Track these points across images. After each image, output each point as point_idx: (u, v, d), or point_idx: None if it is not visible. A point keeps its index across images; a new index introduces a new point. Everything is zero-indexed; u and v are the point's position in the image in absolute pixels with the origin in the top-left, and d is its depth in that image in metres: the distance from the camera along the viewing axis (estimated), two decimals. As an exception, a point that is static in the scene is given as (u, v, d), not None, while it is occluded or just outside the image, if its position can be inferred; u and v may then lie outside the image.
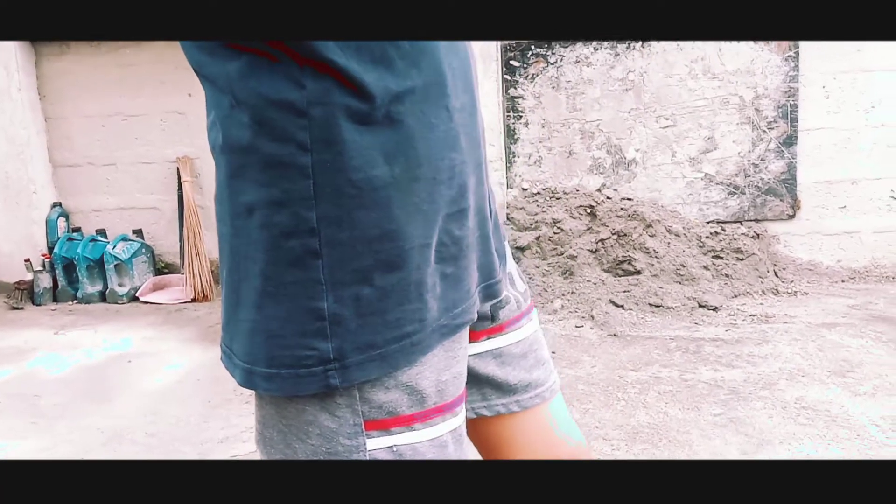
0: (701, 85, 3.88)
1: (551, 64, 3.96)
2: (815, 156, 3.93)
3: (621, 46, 3.90)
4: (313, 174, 0.73)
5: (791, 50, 3.80)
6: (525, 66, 3.99)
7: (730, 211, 3.99)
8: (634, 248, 3.78)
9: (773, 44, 3.82)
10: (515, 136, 4.05)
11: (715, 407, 2.55)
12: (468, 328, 0.89)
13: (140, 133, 4.49)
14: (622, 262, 3.77)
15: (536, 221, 3.94)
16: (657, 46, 3.88)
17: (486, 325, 0.98)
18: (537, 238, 3.89)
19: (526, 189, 4.06)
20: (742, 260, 3.85)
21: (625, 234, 3.79)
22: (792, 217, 3.98)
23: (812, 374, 2.78)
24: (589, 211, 3.92)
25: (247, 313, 0.78)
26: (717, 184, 3.96)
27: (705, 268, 3.80)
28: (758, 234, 3.94)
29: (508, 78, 4.00)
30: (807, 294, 3.79)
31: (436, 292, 0.81)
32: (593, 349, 3.14)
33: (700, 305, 3.56)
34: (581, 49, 3.93)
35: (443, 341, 0.83)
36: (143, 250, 4.46)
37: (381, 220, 0.75)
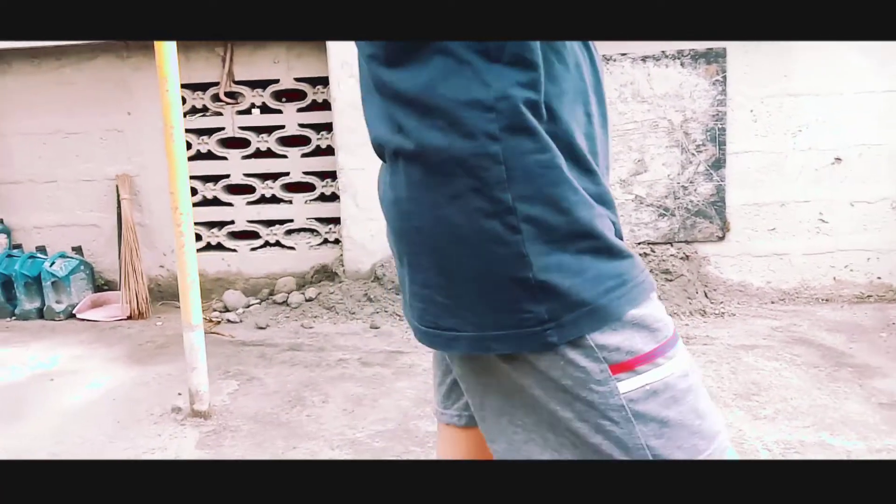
0: (631, 108, 3.94)
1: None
2: (743, 178, 3.99)
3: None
4: (504, 160, 0.84)
5: (718, 74, 3.87)
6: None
7: (660, 232, 4.04)
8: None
9: (702, 68, 3.88)
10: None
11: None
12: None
13: (80, 150, 4.49)
14: (552, 282, 3.80)
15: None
16: (588, 70, 3.93)
17: None
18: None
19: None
20: (671, 281, 3.89)
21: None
22: (722, 239, 4.03)
23: (718, 396, 2.81)
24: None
25: (463, 288, 0.88)
26: (647, 205, 4.01)
27: (635, 288, 3.83)
28: (687, 256, 3.99)
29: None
30: (734, 315, 3.84)
31: (623, 254, 0.90)
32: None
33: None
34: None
35: (650, 294, 0.92)
36: (82, 267, 4.46)
37: (568, 192, 0.85)
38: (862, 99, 3.80)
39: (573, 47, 0.92)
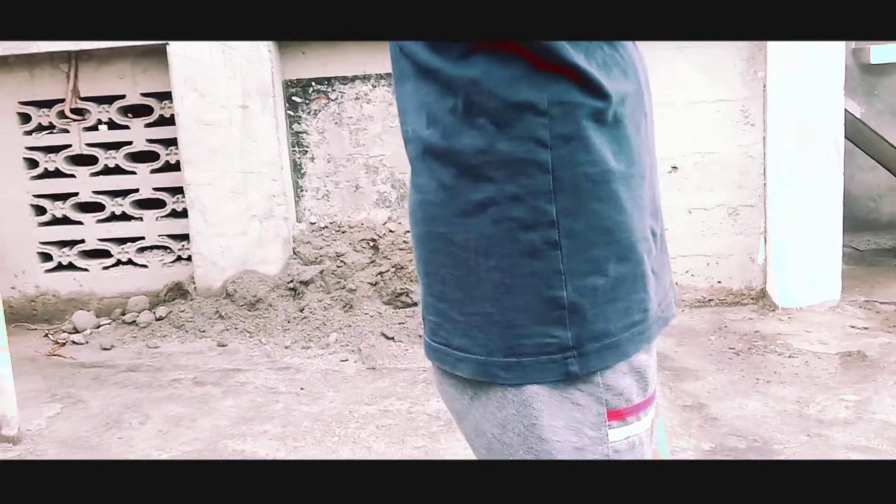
0: (477, 120, 3.98)
1: (332, 100, 4.01)
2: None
3: (399, 83, 3.98)
4: (553, 169, 0.77)
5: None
6: (307, 101, 4.02)
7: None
8: (411, 281, 3.83)
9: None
10: (302, 171, 4.08)
11: (419, 440, 2.59)
12: None
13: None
14: (400, 294, 3.82)
15: (321, 255, 3.96)
16: (433, 83, 3.96)
17: None
18: (321, 272, 3.91)
19: (314, 223, 4.08)
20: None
21: (402, 267, 3.85)
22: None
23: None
24: (372, 244, 3.97)
25: (478, 307, 0.81)
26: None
27: (483, 298, 3.87)
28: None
29: (292, 113, 4.03)
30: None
31: (653, 285, 0.85)
32: (343, 384, 3.16)
33: (468, 336, 3.62)
34: (360, 86, 4.00)
35: (660, 332, 0.87)
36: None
37: (613, 211, 0.80)
38: (694, 109, 3.92)
39: (630, 47, 0.85)
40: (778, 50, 3.69)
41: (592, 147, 0.78)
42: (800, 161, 3.74)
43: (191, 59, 3.89)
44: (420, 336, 3.61)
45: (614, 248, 0.80)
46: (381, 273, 3.87)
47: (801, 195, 3.76)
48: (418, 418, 2.77)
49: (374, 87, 4.00)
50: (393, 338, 3.61)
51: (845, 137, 4.93)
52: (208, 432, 2.77)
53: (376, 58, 3.96)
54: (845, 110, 4.19)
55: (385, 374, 3.24)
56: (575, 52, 0.77)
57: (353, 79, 4.00)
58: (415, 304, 3.79)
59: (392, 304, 3.84)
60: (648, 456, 0.87)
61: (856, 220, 5.61)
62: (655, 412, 0.91)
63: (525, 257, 0.79)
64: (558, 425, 0.81)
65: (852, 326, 3.55)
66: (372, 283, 3.87)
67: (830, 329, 3.51)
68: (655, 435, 0.94)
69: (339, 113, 4.02)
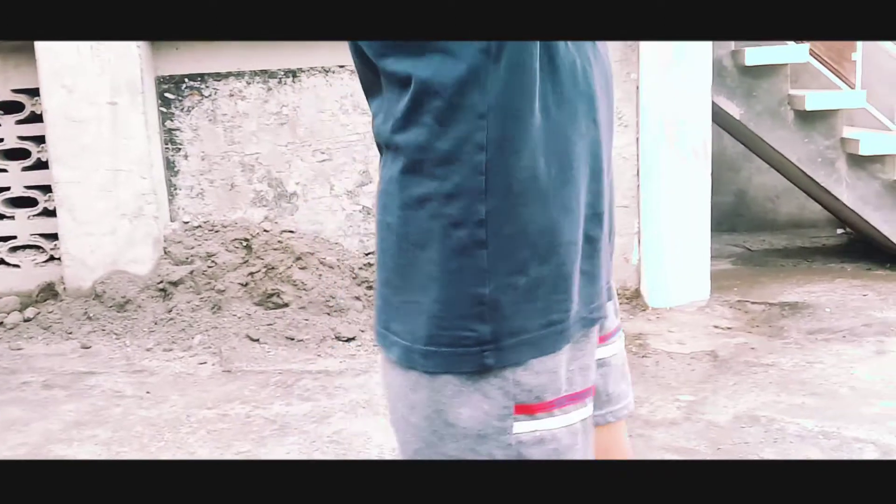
0: (353, 120, 3.95)
1: (206, 97, 3.94)
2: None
3: (273, 81, 3.93)
4: (486, 171, 0.80)
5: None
6: (180, 98, 3.95)
7: (388, 242, 4.06)
8: (283, 281, 3.78)
9: (421, 80, 3.93)
10: (176, 169, 4.00)
11: (246, 444, 2.55)
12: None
13: None
14: (271, 295, 3.77)
15: (192, 255, 3.89)
16: (307, 82, 3.92)
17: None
18: (191, 272, 3.84)
19: (187, 222, 4.01)
20: (394, 290, 3.91)
21: (273, 268, 3.80)
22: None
23: (374, 406, 2.83)
24: (245, 244, 3.91)
25: (411, 295, 0.85)
26: (374, 216, 4.02)
27: (357, 298, 3.84)
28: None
29: (165, 110, 3.96)
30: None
31: (578, 287, 0.88)
32: (192, 387, 3.11)
33: (336, 337, 3.59)
34: (235, 83, 3.93)
35: (583, 331, 0.90)
36: None
37: (540, 216, 0.83)
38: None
39: (576, 50, 0.88)
40: (650, 51, 3.70)
41: (529, 153, 0.81)
42: (670, 162, 3.77)
43: (58, 54, 3.79)
44: (286, 338, 3.57)
45: (538, 250, 0.83)
46: (251, 273, 3.81)
47: (672, 196, 3.78)
48: (254, 423, 2.72)
49: (248, 83, 3.94)
50: (258, 340, 3.55)
51: (738, 140, 5.00)
52: (37, 436, 2.69)
53: (250, 54, 3.91)
54: (726, 112, 4.24)
55: (239, 377, 3.19)
56: (517, 53, 0.80)
57: (228, 75, 3.94)
58: (286, 305, 3.75)
59: (263, 305, 3.78)
60: (573, 453, 0.90)
61: (753, 221, 5.70)
62: (589, 411, 0.94)
63: (454, 253, 0.83)
64: (464, 413, 0.85)
65: (715, 326, 3.58)
66: (243, 284, 3.81)
67: (693, 329, 3.54)
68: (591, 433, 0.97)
69: (214, 110, 3.96)
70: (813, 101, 4.04)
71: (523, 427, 0.87)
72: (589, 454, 0.94)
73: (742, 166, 5.62)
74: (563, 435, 0.89)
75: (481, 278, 0.83)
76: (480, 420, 0.85)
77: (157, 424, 2.74)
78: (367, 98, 0.95)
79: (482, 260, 0.82)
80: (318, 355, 3.41)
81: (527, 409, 0.86)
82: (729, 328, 3.56)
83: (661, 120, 3.74)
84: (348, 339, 3.58)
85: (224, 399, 2.95)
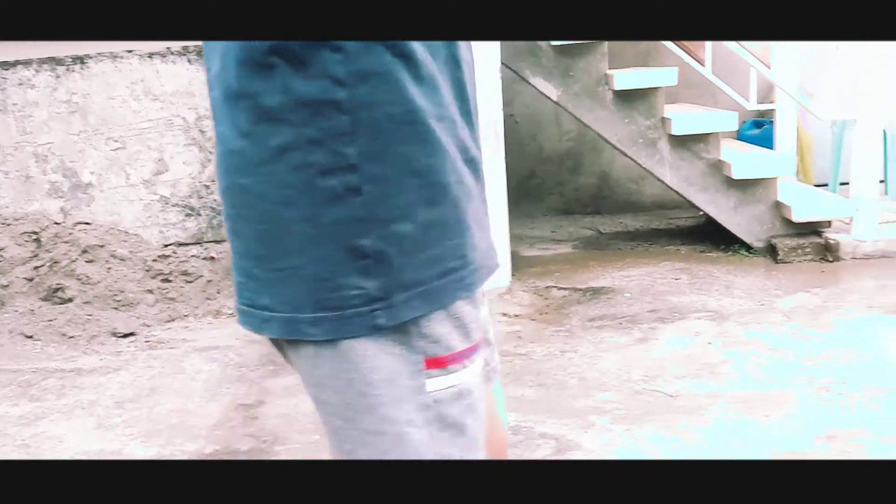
0: (144, 106, 3.84)
1: (-7, 86, 3.82)
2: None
3: (61, 68, 3.80)
4: (350, 109, 0.72)
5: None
6: (-35, 88, 3.82)
7: (189, 233, 3.96)
8: (67, 276, 3.67)
9: (214, 64, 3.81)
10: (-33, 161, 3.88)
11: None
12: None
13: None
14: (56, 290, 3.66)
15: (-20, 250, 3.78)
16: (96, 68, 3.80)
17: None
18: (-23, 268, 3.73)
19: (-19, 216, 3.89)
20: (191, 283, 3.81)
21: (57, 262, 3.69)
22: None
23: (96, 407, 2.74)
24: (35, 237, 3.80)
25: (283, 262, 0.76)
26: (172, 206, 3.92)
27: (150, 291, 3.74)
28: (213, 257, 3.92)
29: (-50, 101, 3.83)
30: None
31: (473, 231, 0.81)
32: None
33: (112, 333, 3.49)
34: (23, 71, 3.81)
35: (485, 280, 0.84)
36: None
37: (422, 153, 0.75)
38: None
39: None
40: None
41: (395, 85, 0.73)
42: (466, 146, 3.66)
43: None
44: (61, 334, 3.47)
45: (425, 191, 0.76)
46: (37, 268, 3.70)
47: (469, 181, 3.68)
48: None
49: (36, 71, 3.81)
50: (32, 336, 3.45)
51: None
52: None
53: (37, 42, 3.77)
54: (544, 95, 4.13)
55: (-15, 377, 3.09)
56: None
57: (16, 63, 3.81)
58: (70, 301, 3.64)
59: (49, 301, 3.67)
60: (481, 406, 0.84)
61: (617, 203, 5.60)
62: (487, 365, 0.89)
63: (326, 205, 0.74)
64: (376, 378, 0.78)
65: (504, 314, 3.50)
66: (28, 279, 3.70)
67: (477, 318, 3.45)
68: (490, 390, 0.91)
69: (4, 100, 3.83)
70: (623, 80, 3.93)
71: (438, 384, 0.80)
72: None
73: (604, 147, 5.50)
74: (475, 387, 0.83)
75: (360, 229, 0.75)
76: (392, 381, 0.78)
77: None
78: (204, 49, 0.84)
79: (358, 208, 0.74)
80: (85, 353, 3.31)
81: (439, 363, 0.80)
82: (516, 315, 3.48)
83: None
84: (126, 335, 3.48)
85: (-48, 400, 2.85)
